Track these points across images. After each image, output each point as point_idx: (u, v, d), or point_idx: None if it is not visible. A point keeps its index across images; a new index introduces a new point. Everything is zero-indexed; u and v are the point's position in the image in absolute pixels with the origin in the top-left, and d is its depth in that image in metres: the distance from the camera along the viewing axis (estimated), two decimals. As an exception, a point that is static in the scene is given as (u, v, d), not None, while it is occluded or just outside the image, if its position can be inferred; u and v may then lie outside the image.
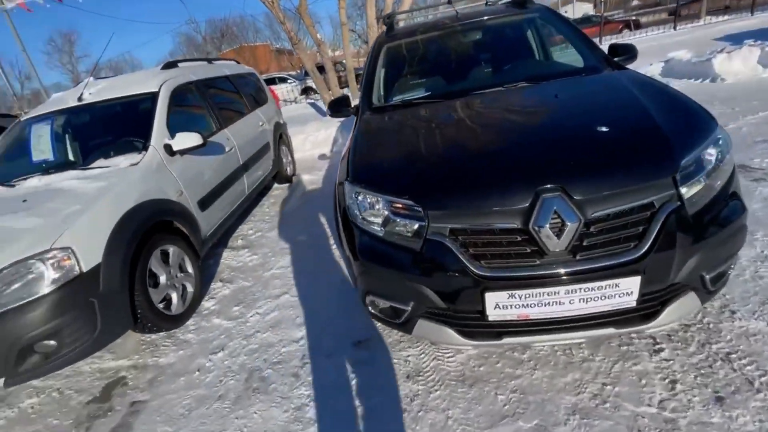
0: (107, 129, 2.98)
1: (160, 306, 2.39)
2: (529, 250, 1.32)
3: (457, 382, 1.71)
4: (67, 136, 3.06)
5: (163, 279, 2.41)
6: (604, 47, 2.40)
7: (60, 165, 2.83)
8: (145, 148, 2.64)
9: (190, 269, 2.68)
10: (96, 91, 3.10)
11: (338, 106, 2.54)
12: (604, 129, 1.48)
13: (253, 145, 4.10)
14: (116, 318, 2.05)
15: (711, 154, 1.41)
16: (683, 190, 1.31)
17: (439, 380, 1.73)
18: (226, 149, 3.48)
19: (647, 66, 7.46)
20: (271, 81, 19.99)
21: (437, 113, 2.05)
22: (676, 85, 6.34)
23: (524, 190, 1.32)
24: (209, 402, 1.88)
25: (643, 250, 1.27)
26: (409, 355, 1.89)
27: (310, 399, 1.78)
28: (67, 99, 3.14)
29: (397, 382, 1.77)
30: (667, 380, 1.53)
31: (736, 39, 8.11)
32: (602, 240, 1.30)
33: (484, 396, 1.62)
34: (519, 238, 1.32)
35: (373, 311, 1.69)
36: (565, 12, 37.70)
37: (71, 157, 2.97)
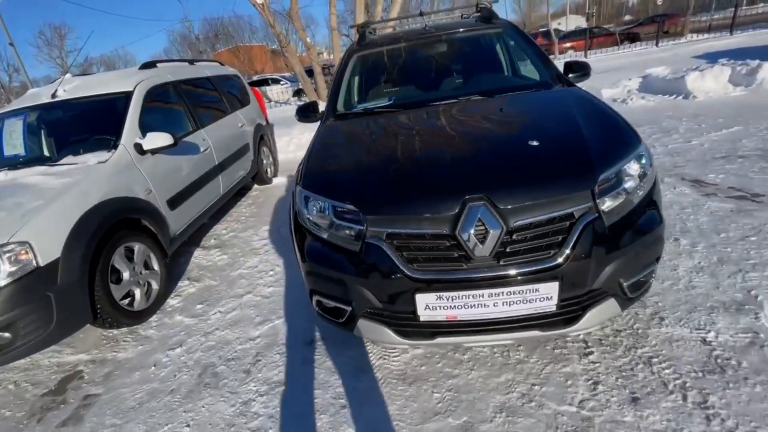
0: (79, 126, 3.01)
1: (123, 302, 2.43)
2: (456, 255, 1.40)
3: (397, 380, 1.78)
4: (39, 132, 3.09)
5: (126, 275, 2.45)
6: (591, 60, 2.50)
7: (30, 160, 2.86)
8: (115, 146, 2.69)
9: (155, 267, 2.73)
10: (70, 89, 3.14)
11: (306, 112, 2.61)
12: (534, 143, 1.57)
13: (231, 145, 4.16)
14: (73, 312, 2.09)
15: (632, 169, 1.52)
16: (601, 202, 1.41)
17: (381, 378, 1.80)
18: (201, 149, 3.53)
19: (626, 81, 7.68)
20: (263, 82, 20.00)
21: (390, 123, 2.15)
22: (652, 100, 6.56)
23: (453, 198, 1.40)
24: (161, 396, 1.93)
25: (562, 258, 1.36)
26: (355, 354, 1.96)
27: (257, 394, 1.84)
28: (42, 95, 3.18)
29: (341, 379, 1.84)
30: (590, 381, 1.62)
31: (713, 57, 8.38)
32: (524, 247, 1.38)
33: (421, 394, 1.69)
34: (447, 243, 1.40)
35: (318, 311, 1.76)
36: (558, 24, 38.37)
37: (42, 153, 3.00)
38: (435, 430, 1.53)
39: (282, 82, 19.92)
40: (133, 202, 2.58)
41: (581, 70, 2.42)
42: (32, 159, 2.90)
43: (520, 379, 1.68)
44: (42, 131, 3.08)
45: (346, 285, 1.56)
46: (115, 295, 2.35)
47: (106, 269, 2.30)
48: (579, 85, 2.37)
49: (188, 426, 1.73)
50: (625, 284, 1.48)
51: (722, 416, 1.39)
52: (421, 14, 3.07)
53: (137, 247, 2.58)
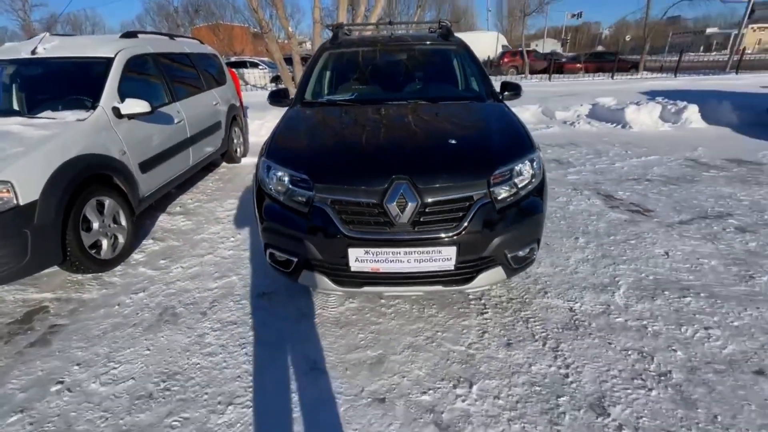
0: (58, 85, 3.16)
1: (91, 250, 2.65)
2: (382, 220, 1.81)
3: (332, 324, 2.17)
4: (15, 85, 3.20)
5: (95, 225, 2.68)
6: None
7: (5, 111, 3.00)
8: (94, 107, 2.89)
9: (123, 222, 2.96)
10: (51, 47, 3.28)
11: (278, 97, 2.94)
12: (453, 142, 2.02)
13: (204, 121, 4.38)
14: (46, 250, 2.31)
15: (524, 168, 1.98)
16: (494, 191, 1.86)
17: (319, 323, 2.19)
18: (175, 121, 3.75)
19: (578, 106, 8.49)
20: (242, 64, 19.72)
21: (347, 113, 2.54)
22: (596, 126, 7.35)
23: (384, 176, 1.81)
24: (124, 328, 2.21)
25: (460, 229, 1.80)
26: (300, 305, 2.33)
27: (211, 330, 2.16)
28: (20, 50, 3.29)
29: (286, 323, 2.20)
30: (480, 331, 2.08)
31: (653, 95, 9.41)
32: (433, 219, 1.81)
33: (348, 334, 2.09)
34: (376, 211, 1.81)
35: (271, 262, 2.11)
36: (536, 45, 40.25)
37: (17, 107, 3.13)
38: (355, 359, 1.93)
39: (260, 67, 19.76)
40: (107, 160, 2.80)
41: (513, 90, 2.92)
42: (7, 110, 3.03)
43: (428, 328, 2.12)
44: (19, 85, 3.19)
45: (294, 240, 1.93)
46: (84, 241, 2.57)
47: (78, 217, 2.52)
48: (511, 102, 2.87)
49: (148, 350, 2.03)
50: (509, 255, 1.94)
51: (565, 356, 1.89)
52: (391, 23, 3.47)
53: (108, 201, 2.80)
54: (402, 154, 1.96)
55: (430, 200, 1.80)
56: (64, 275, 2.72)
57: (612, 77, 15.02)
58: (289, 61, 9.68)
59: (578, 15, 40.69)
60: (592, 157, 5.32)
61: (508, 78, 15.22)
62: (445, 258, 1.83)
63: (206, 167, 5.06)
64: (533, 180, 2.02)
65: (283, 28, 9.35)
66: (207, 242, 3.21)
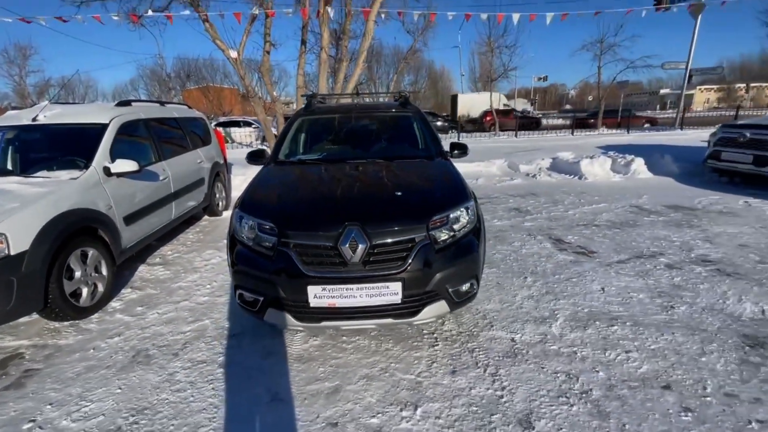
0: (55, 148, 3.49)
1: (71, 298, 2.82)
2: (337, 261, 2.10)
3: (295, 360, 2.36)
4: (16, 148, 3.52)
5: (78, 274, 2.87)
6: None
7: (6, 171, 3.28)
8: (87, 167, 3.21)
9: (104, 271, 3.15)
10: (51, 115, 3.65)
11: (255, 157, 3.33)
12: (399, 193, 2.39)
13: (187, 178, 4.72)
14: (29, 297, 2.49)
15: (460, 215, 2.34)
16: (433, 234, 2.20)
17: (283, 359, 2.37)
18: (161, 178, 4.08)
19: (540, 160, 9.25)
20: (235, 123, 20.61)
21: (311, 171, 2.93)
22: (556, 177, 8.01)
23: (338, 223, 2.13)
24: (97, 369, 2.34)
25: (404, 267, 2.10)
26: (267, 344, 2.52)
27: (182, 368, 2.32)
28: (22, 117, 3.65)
29: (253, 360, 2.38)
30: (430, 361, 2.30)
31: (608, 149, 10.35)
32: (381, 258, 2.11)
33: (309, 368, 2.28)
34: (332, 253, 2.10)
35: (240, 302, 2.34)
36: (505, 105, 43.53)
37: (15, 166, 3.42)
38: (314, 389, 2.11)
39: (254, 125, 20.78)
40: (94, 214, 3.06)
41: (461, 149, 3.39)
42: (7, 171, 3.32)
43: (384, 360, 2.33)
44: (19, 148, 3.51)
45: (261, 280, 2.19)
46: (66, 289, 2.75)
47: (62, 266, 2.72)
48: (458, 160, 3.32)
49: (120, 389, 2.16)
50: (450, 290, 2.23)
51: (502, 380, 2.12)
52: (358, 94, 4.02)
53: (91, 252, 3.02)
54: (354, 203, 2.31)
55: (378, 242, 2.11)
56: (41, 323, 2.85)
57: (572, 133, 16.39)
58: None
59: (544, 78, 44.77)
60: (549, 206, 5.82)
61: (463, 137, 16.51)
62: (392, 293, 2.10)
63: (188, 220, 5.32)
64: (468, 225, 2.37)
65: (269, 93, 10.16)
66: (183, 290, 3.40)
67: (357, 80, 9.54)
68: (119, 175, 3.38)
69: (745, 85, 51.90)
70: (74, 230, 2.84)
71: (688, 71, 17.85)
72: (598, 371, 2.16)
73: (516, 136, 16.53)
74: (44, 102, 3.97)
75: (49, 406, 2.04)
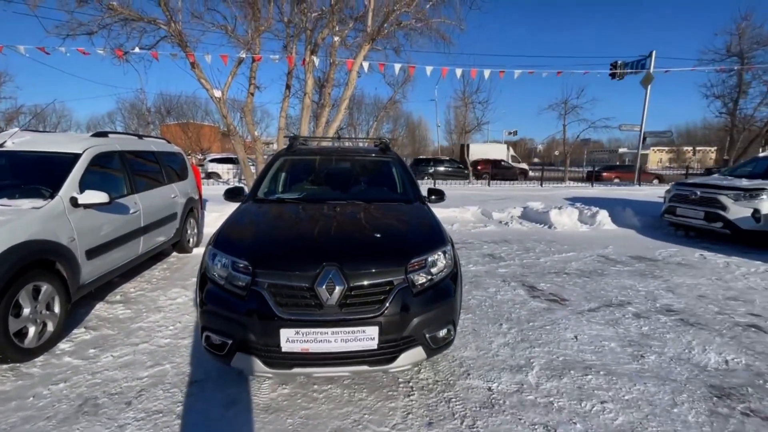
0: (21, 175, 3.33)
1: (15, 338, 2.56)
2: (313, 303, 2.04)
3: (262, 410, 2.20)
4: (-25, 174, 3.34)
5: (26, 311, 2.64)
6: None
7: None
8: (52, 196, 3.06)
9: (56, 309, 2.91)
10: (20, 142, 3.53)
11: (232, 194, 3.30)
12: (377, 235, 2.40)
13: (159, 212, 4.58)
14: (-33, 336, 2.25)
15: (438, 258, 2.36)
16: (412, 277, 2.19)
17: (249, 409, 2.20)
18: (131, 211, 3.94)
19: (512, 208, 9.62)
20: (228, 160, 20.29)
21: (289, 209, 2.93)
22: (527, 226, 8.29)
23: (315, 263, 2.10)
24: (35, 421, 2.08)
25: (382, 310, 2.06)
26: (232, 392, 2.35)
27: (134, 419, 2.10)
28: (-12, 143, 3.50)
29: (215, 409, 2.20)
30: (405, 412, 2.20)
31: (575, 201, 10.93)
32: (359, 301, 2.07)
33: (277, 420, 2.12)
34: (308, 295, 2.05)
35: (206, 345, 2.20)
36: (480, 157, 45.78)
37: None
38: (280, 444, 1.95)
39: (250, 163, 20.65)
40: (53, 246, 2.88)
41: (438, 195, 3.50)
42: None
43: (357, 411, 2.21)
44: (-21, 174, 3.34)
45: (231, 322, 2.08)
46: (10, 327, 2.50)
47: (9, 302, 2.50)
48: (435, 205, 3.41)
49: (59, 444, 1.93)
50: (428, 336, 2.20)
51: (480, 431, 2.04)
52: (339, 137, 4.14)
53: (45, 287, 2.80)
54: (333, 244, 2.29)
55: (355, 284, 2.08)
56: (-25, 366, 2.56)
57: (541, 185, 17.30)
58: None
59: (514, 132, 47.75)
60: (521, 253, 5.97)
61: (442, 183, 17.25)
62: (369, 337, 2.04)
63: (156, 256, 5.08)
64: (446, 269, 2.38)
65: (250, 133, 10.27)
66: (144, 331, 3.17)
67: (338, 125, 9.84)
68: (87, 206, 3.24)
69: (692, 148, 57.17)
70: (28, 263, 2.65)
71: (642, 133, 19.55)
72: (575, 423, 2.12)
73: (489, 185, 17.25)
74: (14, 129, 3.84)
75: (-29, 466, 1.78)
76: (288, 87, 10.59)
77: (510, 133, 48.07)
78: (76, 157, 3.45)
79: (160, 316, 3.45)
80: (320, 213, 2.82)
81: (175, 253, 5.57)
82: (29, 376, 2.51)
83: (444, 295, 2.30)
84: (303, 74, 10.45)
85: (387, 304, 2.08)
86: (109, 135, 4.22)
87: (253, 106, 10.56)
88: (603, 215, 8.34)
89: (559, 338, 3.12)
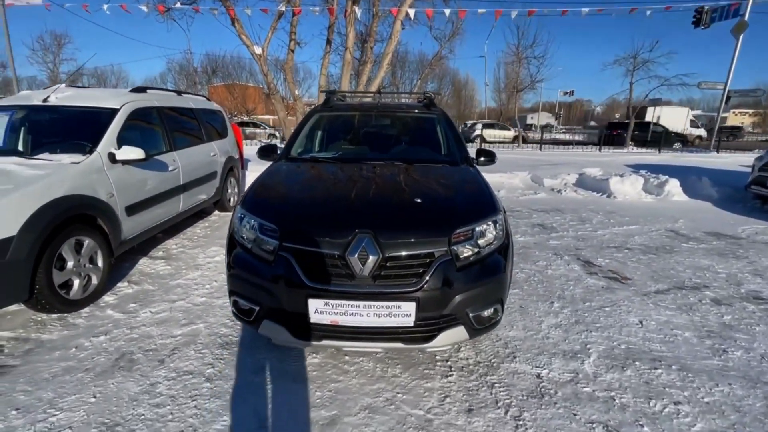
0: (62, 130, 3.36)
1: (60, 289, 2.63)
2: (343, 272, 1.83)
3: (290, 380, 2.10)
4: (23, 129, 3.41)
5: (70, 264, 2.69)
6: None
7: (8, 151, 3.15)
8: (91, 152, 3.05)
9: (99, 263, 2.97)
10: (63, 97, 3.53)
11: (266, 152, 3.12)
12: (418, 200, 2.11)
13: (199, 170, 4.56)
14: (12, 286, 2.31)
15: (486, 229, 2.05)
16: (455, 249, 1.91)
17: (276, 377, 2.11)
18: (169, 168, 3.91)
19: (565, 175, 8.84)
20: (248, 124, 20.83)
21: (323, 169, 2.68)
22: (582, 194, 7.59)
23: (348, 229, 1.87)
24: (75, 372, 2.13)
25: (420, 285, 1.82)
26: (261, 357, 2.27)
27: (165, 379, 2.08)
28: (33, 98, 3.54)
29: (243, 375, 2.13)
30: (443, 395, 2.00)
31: (638, 168, 9.84)
32: (394, 273, 1.84)
33: (305, 391, 2.01)
34: (338, 263, 1.84)
35: (234, 310, 2.10)
36: (531, 118, 42.87)
37: (20, 147, 3.30)
38: (308, 418, 1.84)
39: (261, 127, 21.19)
40: (93, 201, 2.89)
41: (488, 156, 3.10)
42: (9, 150, 3.19)
43: (389, 389, 2.04)
44: (26, 129, 3.39)
45: (258, 288, 1.94)
46: (55, 280, 2.56)
47: (53, 255, 2.54)
48: (485, 167, 3.03)
49: (95, 397, 1.94)
50: (471, 315, 1.94)
51: (527, 426, 1.81)
52: (379, 92, 3.77)
53: (87, 242, 2.84)
54: (367, 209, 2.04)
55: (391, 254, 1.84)
56: (28, 314, 2.67)
57: (599, 150, 15.81)
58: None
59: (570, 93, 43.84)
60: (576, 224, 5.44)
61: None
62: (404, 314, 1.82)
63: (197, 214, 5.16)
64: (496, 241, 2.07)
65: (290, 92, 10.06)
66: (182, 288, 3.19)
67: (380, 83, 9.34)
68: (125, 162, 3.22)
69: (782, 110, 49.67)
70: (69, 217, 2.66)
71: (726, 92, 17.05)
72: (642, 425, 1.82)
73: (540, 149, 16.06)
74: (59, 84, 3.86)
75: (14, 412, 1.83)
76: (329, 42, 10.13)
77: (566, 93, 44.25)
78: (114, 112, 3.40)
79: (197, 274, 3.47)
80: (357, 174, 2.56)
81: (216, 212, 5.65)
82: (74, 326, 2.59)
83: (492, 270, 2.01)
84: (344, 28, 9.90)
85: (426, 278, 1.83)
86: (148, 91, 4.15)
87: (294, 64, 10.26)
88: (673, 184, 7.41)
89: (621, 322, 2.75)
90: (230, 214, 5.60)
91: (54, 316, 2.67)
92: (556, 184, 8.33)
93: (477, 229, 2.02)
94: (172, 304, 2.91)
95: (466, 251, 1.95)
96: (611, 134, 19.17)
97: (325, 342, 1.92)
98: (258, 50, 8.76)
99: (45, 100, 3.45)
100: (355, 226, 1.88)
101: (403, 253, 1.85)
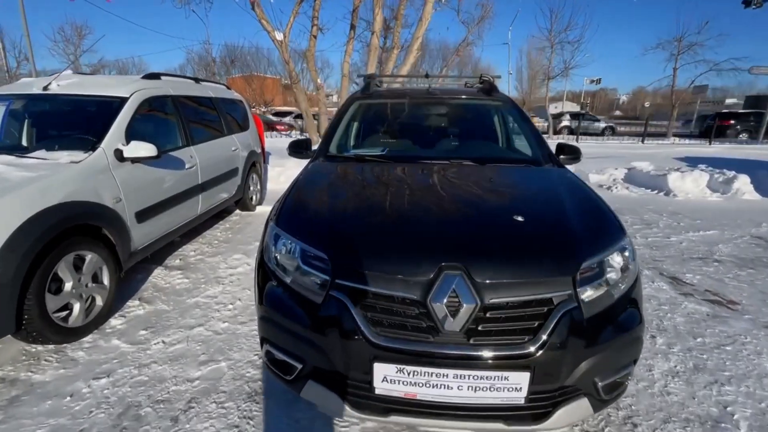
0: (62, 123, 2.90)
1: (57, 315, 2.18)
2: (424, 325, 1.29)
3: (341, 456, 1.58)
4: (20, 121, 2.97)
5: (68, 286, 2.23)
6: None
7: (2, 148, 2.71)
8: (94, 148, 2.57)
9: (105, 281, 2.51)
10: (66, 84, 3.07)
11: (298, 148, 2.58)
12: (518, 218, 1.53)
13: (219, 167, 4.08)
14: (-6, 319, 1.85)
15: (615, 260, 1.47)
16: (582, 291, 1.34)
17: (324, 451, 1.60)
18: (186, 166, 3.43)
19: (613, 170, 8.04)
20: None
21: (379, 174, 2.11)
22: (636, 191, 6.83)
23: (429, 263, 1.32)
24: (66, 435, 1.66)
25: (536, 347, 1.26)
26: (301, 417, 1.75)
27: (179, 450, 1.59)
28: (33, 85, 3.09)
29: (279, 445, 1.62)
30: (553, 490, 1.44)
31: (693, 162, 8.93)
32: (497, 328, 1.28)
33: (364, 477, 1.49)
34: (417, 311, 1.29)
35: (267, 362, 1.59)
36: (555, 108, 41.16)
37: (15, 142, 2.86)
38: None
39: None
40: (97, 209, 2.42)
41: (572, 153, 2.48)
42: (4, 147, 2.75)
43: (477, 476, 1.50)
44: (22, 121, 2.96)
45: (300, 339, 1.41)
46: (48, 306, 2.11)
47: (46, 276, 2.08)
48: (568, 168, 2.41)
49: (86, 480, 1.47)
50: (600, 384, 1.37)
51: None
52: (427, 76, 3.18)
53: (90, 256, 2.38)
54: (453, 233, 1.47)
55: (492, 301, 1.28)
56: (21, 345, 2.24)
57: (642, 141, 14.73)
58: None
59: (597, 81, 41.82)
60: (641, 228, 4.74)
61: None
62: (513, 387, 1.27)
63: (218, 214, 4.71)
64: (626, 276, 1.48)
65: (313, 80, 9.52)
66: (200, 309, 2.72)
67: (408, 70, 8.70)
68: (134, 160, 2.74)
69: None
70: (66, 229, 2.19)
71: (781, 78, 15.62)
72: None
73: (576, 140, 15.09)
74: (63, 70, 3.41)
75: (-19, 502, 1.37)
76: (353, 27, 9.50)
77: (592, 82, 42.24)
78: (123, 101, 2.92)
79: (218, 290, 2.99)
80: (422, 179, 2.00)
81: (237, 211, 5.18)
82: (73, 362, 2.13)
83: (628, 320, 1.43)
84: (368, 13, 9.27)
85: (544, 337, 1.26)
86: (162, 77, 3.66)
87: (315, 50, 9.69)
88: (742, 181, 6.56)
89: (758, 370, 2.12)
90: (252, 214, 5.13)
91: (51, 347, 2.23)
92: (604, 180, 7.57)
93: (606, 261, 1.43)
94: (189, 332, 2.43)
95: (594, 294, 1.37)
96: (722, 125, 16.89)
97: (394, 418, 1.38)
98: (279, 36, 8.22)
99: (45, 88, 3.00)
100: (440, 259, 1.32)
101: (511, 300, 1.29)
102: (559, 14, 17.14)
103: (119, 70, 33.69)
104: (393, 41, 9.17)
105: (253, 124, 5.47)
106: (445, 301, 1.26)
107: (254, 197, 5.31)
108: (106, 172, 2.56)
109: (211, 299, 2.85)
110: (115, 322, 2.54)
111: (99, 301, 2.47)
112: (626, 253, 1.52)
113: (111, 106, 2.87)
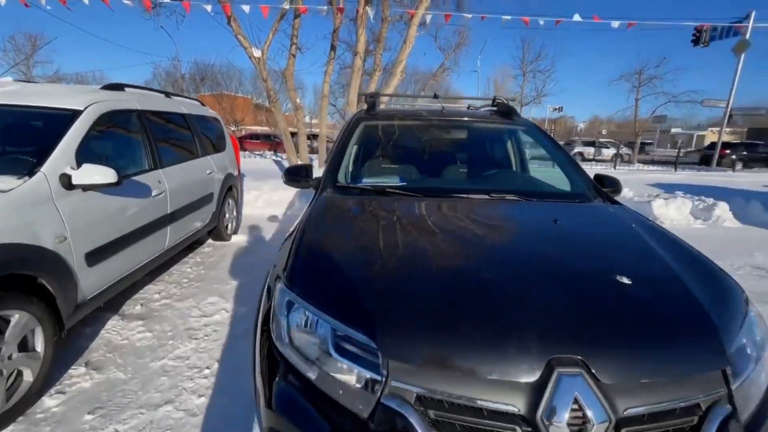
0: (-7, 140, 2.32)
1: (-39, 404, 1.57)
2: (532, 456, 0.86)
3: None
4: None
5: (-20, 363, 1.63)
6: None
7: None
8: (32, 173, 2.01)
9: (39, 347, 1.90)
10: (1, 93, 2.49)
11: (296, 175, 2.13)
12: (625, 280, 1.15)
13: (192, 193, 3.53)
14: None
15: (751, 338, 1.12)
16: (737, 389, 0.96)
17: None
18: (153, 193, 2.87)
19: (596, 195, 8.06)
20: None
21: (418, 213, 1.68)
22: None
23: (533, 356, 0.90)
24: None
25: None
26: None
27: None
28: (-42, 94, 2.48)
29: None
30: None
31: (667, 188, 9.19)
32: (637, 453, 0.88)
33: None
34: (518, 431, 0.87)
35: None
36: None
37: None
38: None
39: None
40: (29, 252, 1.84)
41: (613, 186, 2.19)
42: None
43: None
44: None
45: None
46: (-52, 395, 1.50)
47: (-54, 353, 1.48)
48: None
49: None
50: None
51: None
52: (436, 96, 2.85)
53: (16, 317, 1.78)
54: (559, 308, 1.06)
55: (629, 412, 0.87)
56: None
57: (614, 167, 15.26)
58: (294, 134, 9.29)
59: (559, 109, 44.18)
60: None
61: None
62: None
63: (188, 246, 4.10)
64: (761, 357, 1.13)
65: (291, 100, 9.12)
66: (168, 376, 2.14)
67: (393, 89, 8.49)
68: (86, 188, 2.18)
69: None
70: (-16, 283, 1.61)
71: (729, 110, 16.92)
72: None
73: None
74: (4, 77, 2.81)
75: None
76: (333, 48, 9.26)
77: (555, 109, 44.52)
78: (75, 115, 2.37)
79: (190, 347, 2.42)
80: (473, 222, 1.59)
81: (210, 241, 4.58)
82: (-20, 475, 1.51)
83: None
84: (349, 35, 9.10)
85: (702, 463, 0.87)
86: (126, 89, 3.12)
87: (294, 69, 9.34)
88: (722, 209, 6.68)
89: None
90: (227, 244, 4.53)
91: (-50, 449, 1.59)
92: (590, 206, 7.54)
93: (744, 341, 1.08)
94: (151, 414, 1.86)
95: (745, 389, 1.00)
96: (721, 154, 17.78)
97: None
98: (257, 53, 7.81)
99: (-25, 97, 2.40)
100: (548, 349, 0.91)
101: (651, 409, 0.89)
102: (531, 45, 17.87)
103: (78, 84, 31.87)
104: (375, 63, 8.98)
105: (230, 144, 4.95)
106: (565, 417, 0.84)
107: (230, 225, 4.73)
108: (46, 204, 1.99)
109: (182, 361, 2.27)
110: (50, 402, 1.91)
111: (28, 376, 1.85)
112: (756, 322, 1.18)
113: (59, 121, 2.31)
